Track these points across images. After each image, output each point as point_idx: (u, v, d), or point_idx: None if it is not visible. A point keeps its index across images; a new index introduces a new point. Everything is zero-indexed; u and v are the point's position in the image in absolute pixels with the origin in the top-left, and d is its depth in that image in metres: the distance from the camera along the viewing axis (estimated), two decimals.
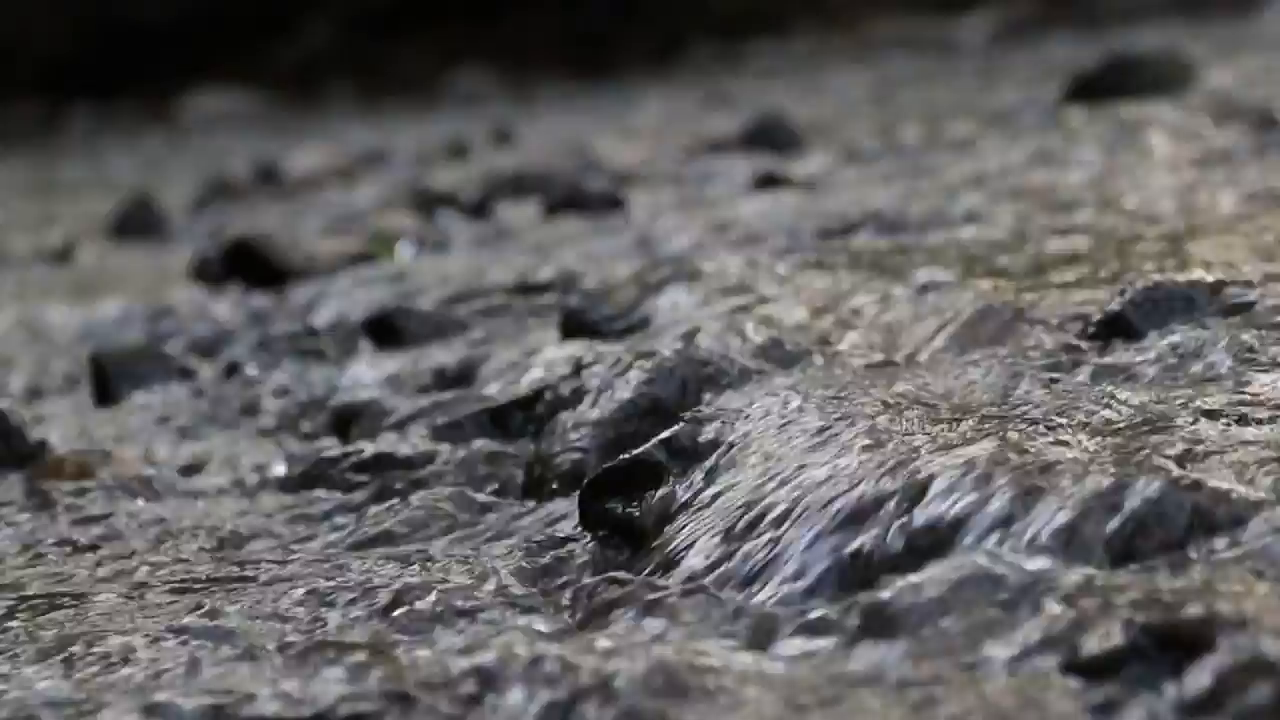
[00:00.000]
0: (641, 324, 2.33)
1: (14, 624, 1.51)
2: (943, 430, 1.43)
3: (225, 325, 3.10)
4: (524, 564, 1.54)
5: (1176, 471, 1.25)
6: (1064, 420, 1.44)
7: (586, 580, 1.46)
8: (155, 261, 4.71)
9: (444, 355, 2.40)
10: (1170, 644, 1.04)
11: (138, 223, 5.55)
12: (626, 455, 1.58)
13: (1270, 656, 0.99)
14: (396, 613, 1.42)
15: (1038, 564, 1.20)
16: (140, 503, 1.96)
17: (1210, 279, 1.80)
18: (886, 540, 1.29)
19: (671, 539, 1.45)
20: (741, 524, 1.41)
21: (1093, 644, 1.06)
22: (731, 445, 1.53)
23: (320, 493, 1.90)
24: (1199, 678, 1.01)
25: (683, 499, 1.50)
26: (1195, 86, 4.73)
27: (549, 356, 2.22)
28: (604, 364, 1.87)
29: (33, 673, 1.36)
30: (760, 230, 3.08)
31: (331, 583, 1.53)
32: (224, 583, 1.58)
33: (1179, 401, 1.48)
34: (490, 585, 1.48)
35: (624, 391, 1.76)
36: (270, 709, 1.20)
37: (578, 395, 1.83)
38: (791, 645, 1.22)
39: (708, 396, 1.73)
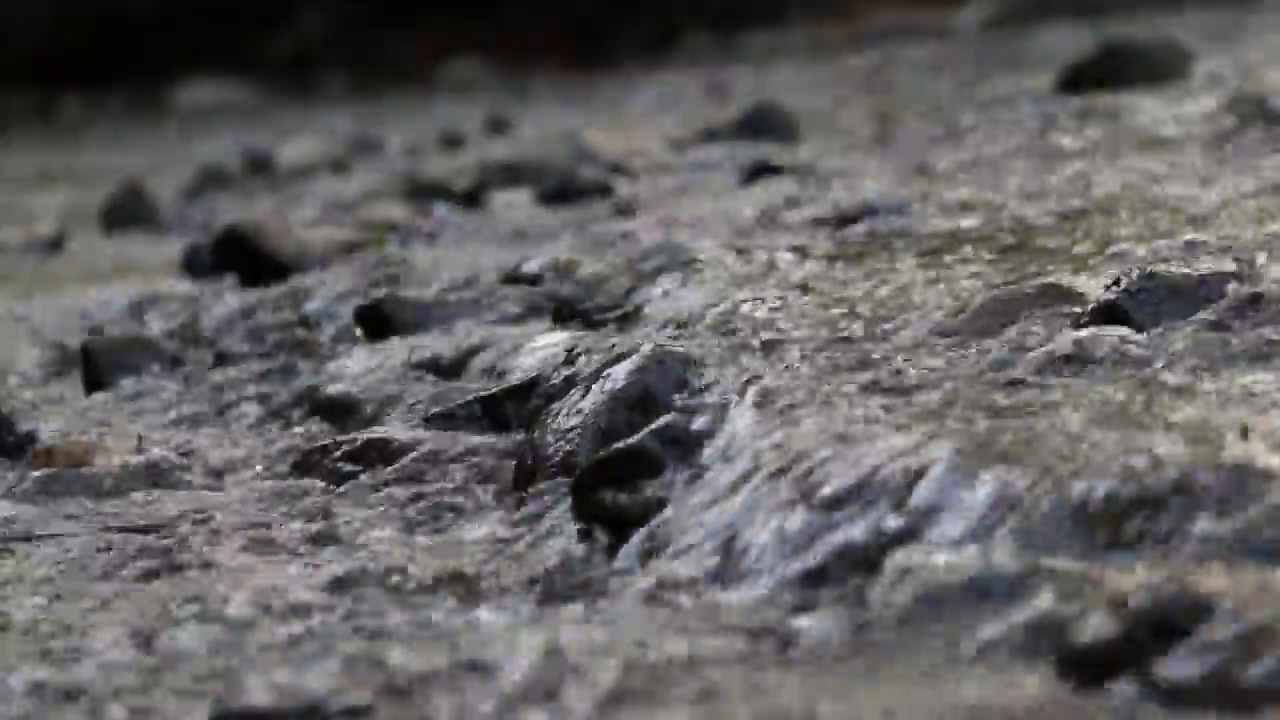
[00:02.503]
0: (634, 313, 2.32)
1: (4, 618, 1.50)
2: (937, 420, 1.42)
3: (216, 314, 3.08)
4: (516, 554, 1.53)
5: (1170, 459, 1.24)
6: (1058, 411, 1.43)
7: (579, 570, 1.45)
8: (147, 250, 4.70)
9: (435, 345, 2.39)
10: (1161, 629, 1.03)
11: (129, 212, 5.54)
12: (619, 445, 1.57)
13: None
14: (388, 604, 1.42)
15: (1030, 551, 1.19)
16: (129, 492, 1.95)
17: (1206, 269, 1.79)
18: (879, 530, 1.29)
19: (664, 529, 1.45)
20: (735, 515, 1.41)
21: (1082, 631, 1.06)
22: (724, 435, 1.52)
23: (311, 482, 1.89)
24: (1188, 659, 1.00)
25: (675, 489, 1.49)
26: (1192, 75, 4.72)
27: (541, 346, 2.21)
28: (597, 354, 1.86)
29: (19, 662, 1.35)
30: (755, 219, 3.07)
31: (322, 574, 1.52)
32: (214, 573, 1.57)
33: (1173, 391, 1.47)
34: (483, 576, 1.47)
35: (617, 381, 1.75)
36: (263, 701, 1.19)
37: (570, 385, 1.82)
38: (782, 638, 1.21)
39: (701, 386, 1.72)
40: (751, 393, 1.61)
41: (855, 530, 1.30)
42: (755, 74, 9.32)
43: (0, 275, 4.44)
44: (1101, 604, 1.09)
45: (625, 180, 4.31)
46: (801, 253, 2.49)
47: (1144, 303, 1.75)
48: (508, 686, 1.17)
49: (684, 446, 1.53)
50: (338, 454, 1.93)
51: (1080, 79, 4.83)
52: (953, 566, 1.20)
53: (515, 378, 2.05)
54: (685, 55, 12.19)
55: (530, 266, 2.81)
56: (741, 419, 1.54)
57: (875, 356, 1.76)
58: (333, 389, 2.25)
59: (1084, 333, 1.75)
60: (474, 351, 2.31)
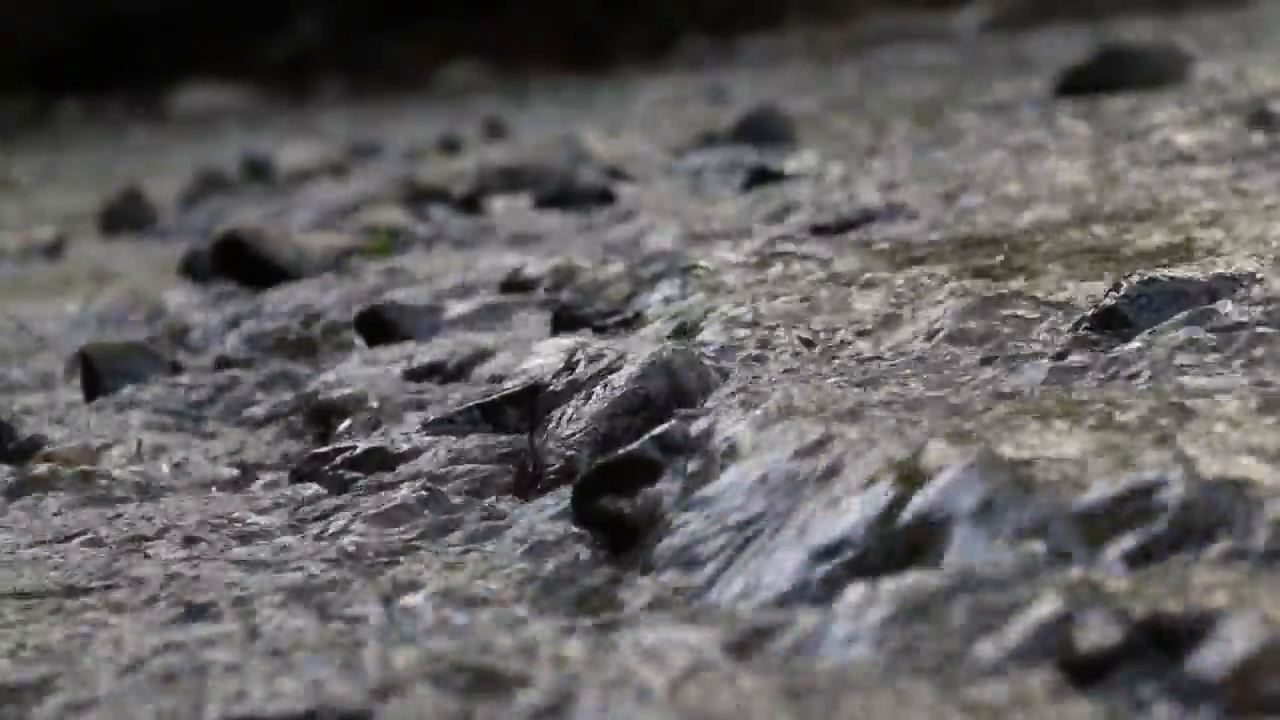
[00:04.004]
0: (634, 319, 2.32)
1: (2, 620, 1.50)
2: (936, 426, 1.42)
3: (215, 320, 3.09)
4: (516, 561, 1.53)
5: (1171, 464, 1.24)
6: (1056, 414, 1.43)
7: (578, 577, 1.46)
8: (145, 256, 4.71)
9: (435, 350, 2.39)
10: (1166, 639, 1.03)
11: (128, 217, 5.55)
12: (620, 452, 1.57)
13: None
14: (388, 609, 1.42)
15: (1031, 560, 1.19)
16: (129, 498, 1.95)
17: (1205, 273, 1.79)
18: (880, 538, 1.29)
19: (664, 536, 1.45)
20: (734, 521, 1.41)
21: (1087, 641, 1.06)
22: (725, 441, 1.52)
23: (311, 489, 1.89)
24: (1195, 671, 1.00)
25: (676, 496, 1.49)
26: (1190, 79, 4.72)
27: (541, 351, 2.21)
28: (597, 359, 1.86)
29: (16, 667, 1.35)
30: (753, 224, 3.08)
31: (322, 580, 1.52)
32: (214, 580, 1.57)
33: (1172, 395, 1.47)
34: (482, 582, 1.47)
35: (617, 388, 1.75)
36: (263, 706, 1.19)
37: (570, 391, 1.82)
38: (782, 644, 1.21)
39: (702, 392, 1.72)
40: (753, 399, 1.61)
41: (859, 536, 1.31)
42: (753, 78, 9.33)
43: (0, 280, 4.44)
44: (1102, 610, 1.09)
45: (624, 185, 4.31)
46: (801, 259, 2.49)
47: (1144, 307, 1.75)
48: (508, 693, 1.17)
49: (685, 452, 1.53)
50: (338, 461, 1.93)
51: (1079, 83, 4.84)
52: (956, 570, 1.20)
53: (515, 383, 2.05)
54: (683, 59, 12.21)
55: (530, 272, 2.81)
56: (742, 425, 1.54)
57: (876, 363, 1.77)
58: (332, 395, 2.25)
59: (1083, 336, 1.75)
60: (474, 357, 2.31)
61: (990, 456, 1.31)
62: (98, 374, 2.55)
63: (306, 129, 9.03)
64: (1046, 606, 1.12)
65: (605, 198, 4.00)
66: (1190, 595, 1.08)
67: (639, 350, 1.80)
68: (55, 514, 1.89)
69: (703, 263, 2.52)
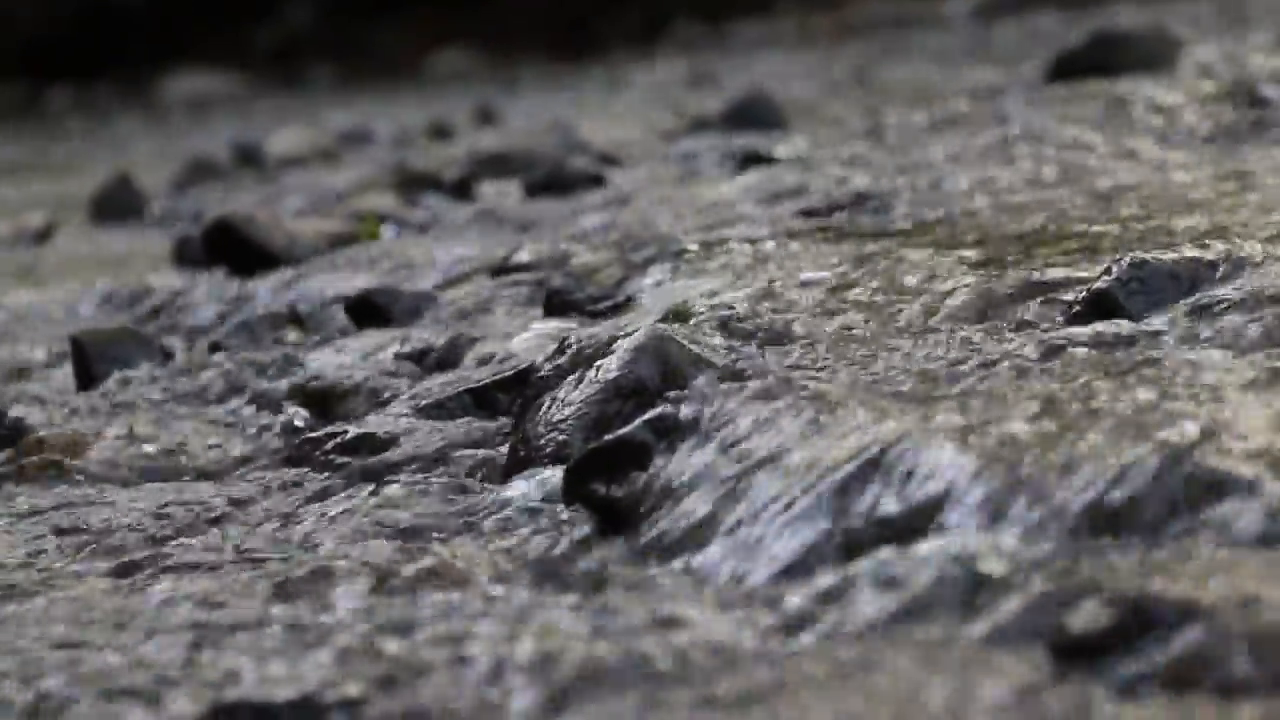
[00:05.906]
0: (625, 304, 2.32)
1: None
2: (927, 409, 1.43)
3: (207, 306, 3.08)
4: (508, 545, 1.53)
5: (1164, 450, 1.24)
6: (1049, 400, 1.43)
7: (571, 561, 1.46)
8: (136, 243, 4.70)
9: (426, 336, 2.39)
10: (1155, 620, 1.04)
11: (118, 204, 5.53)
12: (611, 436, 1.57)
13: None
14: (380, 595, 1.42)
15: (1021, 540, 1.19)
16: (121, 484, 1.94)
17: (1197, 257, 1.79)
18: (870, 519, 1.29)
19: (656, 519, 1.45)
20: (726, 504, 1.41)
21: (1075, 621, 1.06)
22: (717, 425, 1.53)
23: (303, 474, 1.89)
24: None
25: (668, 479, 1.49)
26: (1182, 64, 4.72)
27: (532, 336, 2.21)
28: (588, 344, 1.86)
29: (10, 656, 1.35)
30: (744, 210, 3.07)
31: (315, 565, 1.52)
32: (206, 566, 1.57)
33: (1163, 379, 1.48)
34: (474, 567, 1.47)
35: (608, 372, 1.75)
36: (257, 692, 1.19)
37: (562, 375, 1.82)
38: (774, 626, 1.21)
39: (693, 376, 1.72)
40: (744, 383, 1.61)
41: (852, 520, 1.31)
42: (744, 63, 9.32)
43: None
44: (1094, 594, 1.09)
45: (615, 170, 4.31)
46: (792, 243, 2.49)
47: (1135, 291, 1.75)
48: (502, 678, 1.17)
49: (676, 436, 1.53)
50: (330, 445, 1.93)
51: (1070, 67, 4.84)
52: (949, 554, 1.20)
53: (506, 368, 2.05)
54: (675, 45, 12.20)
55: (521, 257, 2.81)
56: (734, 409, 1.54)
57: (866, 345, 1.77)
58: (324, 380, 2.25)
59: (1074, 324, 1.75)
60: (465, 342, 2.31)
61: (973, 441, 1.31)
62: (89, 360, 2.55)
63: (297, 116, 9.03)
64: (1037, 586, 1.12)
65: (596, 183, 3.99)
66: (1182, 576, 1.08)
67: (630, 335, 1.80)
68: (44, 499, 1.89)
69: (693, 247, 2.52)
